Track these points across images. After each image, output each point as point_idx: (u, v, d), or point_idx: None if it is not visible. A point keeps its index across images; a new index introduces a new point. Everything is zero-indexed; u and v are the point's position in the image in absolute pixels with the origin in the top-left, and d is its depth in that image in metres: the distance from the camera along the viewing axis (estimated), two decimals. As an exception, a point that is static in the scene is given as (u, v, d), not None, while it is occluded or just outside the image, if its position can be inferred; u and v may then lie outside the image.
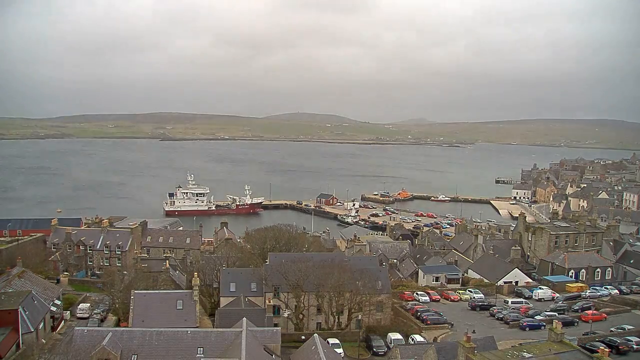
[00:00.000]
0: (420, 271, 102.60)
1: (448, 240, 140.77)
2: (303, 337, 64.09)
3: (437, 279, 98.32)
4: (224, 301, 68.21)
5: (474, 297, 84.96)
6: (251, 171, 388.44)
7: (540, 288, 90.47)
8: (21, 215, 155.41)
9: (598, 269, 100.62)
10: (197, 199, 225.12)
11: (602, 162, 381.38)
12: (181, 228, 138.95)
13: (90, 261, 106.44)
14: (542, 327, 67.88)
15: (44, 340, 60.50)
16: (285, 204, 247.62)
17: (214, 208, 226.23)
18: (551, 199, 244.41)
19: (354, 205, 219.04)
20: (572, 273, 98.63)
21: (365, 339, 66.05)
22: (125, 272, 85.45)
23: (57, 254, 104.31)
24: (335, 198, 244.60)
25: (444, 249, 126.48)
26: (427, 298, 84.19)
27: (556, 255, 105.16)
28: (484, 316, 76.65)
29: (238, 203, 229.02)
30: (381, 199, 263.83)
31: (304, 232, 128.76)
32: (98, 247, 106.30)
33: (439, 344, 51.95)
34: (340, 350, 59.00)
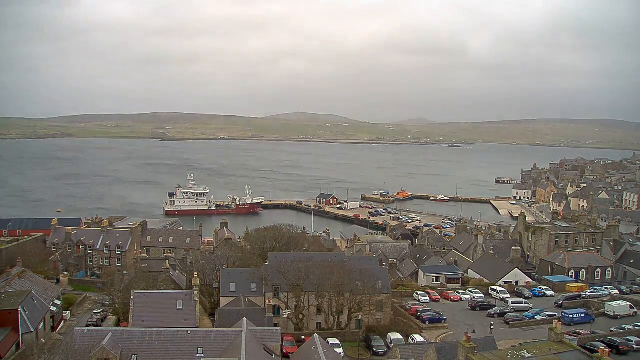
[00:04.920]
0: (420, 271, 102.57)
1: (448, 240, 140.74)
2: (303, 337, 64.20)
3: (437, 279, 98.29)
4: (224, 301, 68.17)
5: (474, 297, 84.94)
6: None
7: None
8: (21, 215, 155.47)
9: (598, 269, 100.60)
10: (197, 199, 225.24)
11: (602, 162, 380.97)
12: (181, 228, 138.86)
13: (90, 261, 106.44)
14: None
15: (43, 340, 60.49)
16: (285, 204, 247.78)
17: (214, 208, 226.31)
18: (551, 199, 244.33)
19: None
20: (572, 273, 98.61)
21: (365, 339, 66.01)
22: (125, 272, 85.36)
23: (57, 254, 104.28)
24: (335, 198, 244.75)
25: (444, 249, 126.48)
26: (427, 298, 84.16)
27: (556, 255, 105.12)
28: (484, 316, 76.57)
29: (238, 203, 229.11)
30: (381, 198, 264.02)
31: (304, 232, 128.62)
32: (98, 247, 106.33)
33: (439, 344, 51.89)
34: (340, 350, 58.94)
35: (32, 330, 58.37)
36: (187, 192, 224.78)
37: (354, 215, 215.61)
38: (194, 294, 61.77)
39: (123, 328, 54.64)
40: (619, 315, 73.76)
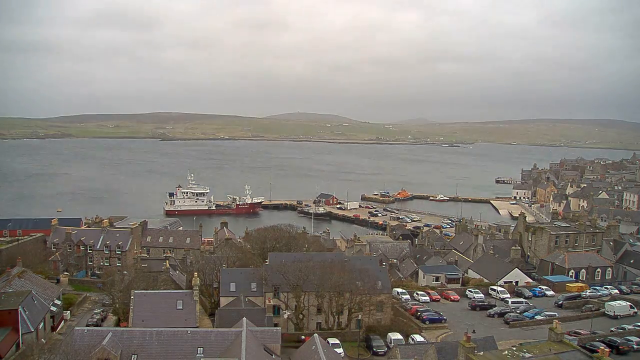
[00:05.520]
0: (420, 271, 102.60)
1: (448, 240, 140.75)
2: (303, 337, 64.18)
3: (437, 279, 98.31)
4: (224, 301, 68.19)
5: (474, 297, 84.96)
6: None
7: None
8: (21, 215, 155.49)
9: (598, 269, 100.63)
10: (197, 199, 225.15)
11: (602, 162, 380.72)
12: (181, 228, 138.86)
13: (90, 261, 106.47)
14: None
15: (43, 340, 60.48)
16: (285, 204, 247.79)
17: (214, 208, 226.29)
18: (551, 199, 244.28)
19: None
20: (572, 273, 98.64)
21: (365, 339, 66.04)
22: (125, 272, 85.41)
23: (57, 254, 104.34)
24: (335, 198, 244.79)
25: (444, 249, 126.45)
26: (427, 298, 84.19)
27: (556, 255, 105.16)
28: (484, 316, 76.62)
29: (238, 203, 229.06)
30: (381, 198, 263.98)
31: (304, 232, 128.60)
32: (98, 247, 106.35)
33: (439, 344, 51.92)
34: (340, 350, 58.97)
35: (32, 330, 58.40)
36: (187, 192, 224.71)
37: (354, 215, 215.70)
38: (194, 294, 61.78)
39: (123, 328, 54.64)
40: (619, 315, 73.80)
